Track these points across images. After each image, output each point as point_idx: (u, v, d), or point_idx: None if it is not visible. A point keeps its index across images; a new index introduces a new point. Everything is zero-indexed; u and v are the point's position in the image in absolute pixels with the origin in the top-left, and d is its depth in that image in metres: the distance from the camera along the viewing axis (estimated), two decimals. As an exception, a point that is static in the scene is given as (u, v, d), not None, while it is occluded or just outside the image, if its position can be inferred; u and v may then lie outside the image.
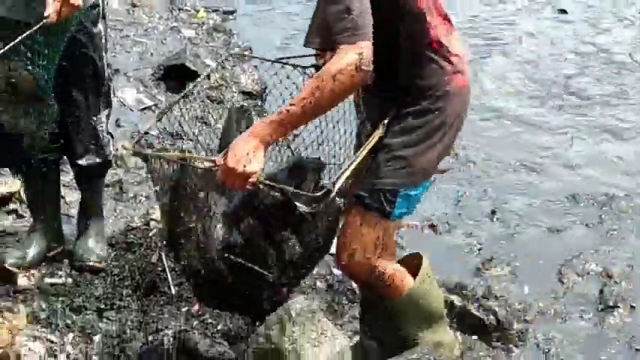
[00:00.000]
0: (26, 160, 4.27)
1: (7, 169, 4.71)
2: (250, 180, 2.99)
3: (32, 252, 4.58)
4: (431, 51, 3.29)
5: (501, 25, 8.36)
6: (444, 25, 3.34)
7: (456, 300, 4.51)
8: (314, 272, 4.65)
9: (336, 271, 4.74)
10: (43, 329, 4.16)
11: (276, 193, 3.09)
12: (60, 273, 4.57)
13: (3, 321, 4.18)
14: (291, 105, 2.98)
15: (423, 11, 3.26)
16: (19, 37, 3.63)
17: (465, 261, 5.02)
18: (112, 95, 4.46)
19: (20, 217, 5.09)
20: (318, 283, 4.67)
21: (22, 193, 5.00)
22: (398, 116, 3.30)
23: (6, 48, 3.63)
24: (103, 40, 4.20)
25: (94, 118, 4.31)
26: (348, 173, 3.12)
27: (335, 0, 2.96)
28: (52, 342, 4.08)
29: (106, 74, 4.30)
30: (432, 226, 5.34)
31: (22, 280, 4.50)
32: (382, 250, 3.34)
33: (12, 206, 5.15)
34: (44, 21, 3.63)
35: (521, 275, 4.88)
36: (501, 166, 6.02)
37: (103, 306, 4.25)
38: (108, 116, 4.44)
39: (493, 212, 5.47)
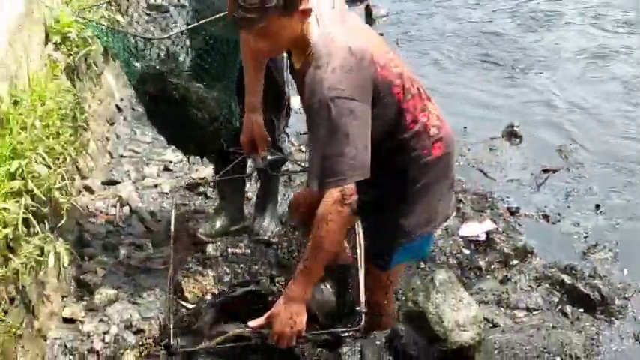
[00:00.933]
0: (219, 152, 4.52)
1: (200, 158, 4.99)
2: (300, 337, 3.08)
3: (218, 226, 4.89)
4: (410, 136, 3.20)
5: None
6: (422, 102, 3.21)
7: (566, 279, 4.68)
8: (447, 251, 4.84)
9: (465, 250, 4.91)
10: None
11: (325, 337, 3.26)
12: (240, 244, 4.89)
13: (195, 283, 4.53)
14: (305, 261, 2.99)
15: (414, 129, 3.20)
16: None
17: (573, 246, 5.10)
18: (290, 108, 4.67)
19: (208, 198, 5.45)
20: (450, 260, 4.84)
21: (210, 179, 5.34)
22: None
23: None
24: (284, 61, 4.36)
25: (275, 124, 4.55)
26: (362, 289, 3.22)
27: (331, 142, 2.85)
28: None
29: (286, 91, 4.49)
30: (545, 216, 5.44)
31: (210, 249, 4.84)
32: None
33: (201, 189, 5.53)
34: None
35: (621, 259, 4.95)
36: (606, 167, 6.01)
37: (274, 272, 4.44)
38: (286, 124, 4.72)
39: (597, 207, 5.51)
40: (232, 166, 4.42)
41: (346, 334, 3.28)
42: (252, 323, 3.10)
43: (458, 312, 3.30)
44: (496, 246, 4.94)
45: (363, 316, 3.18)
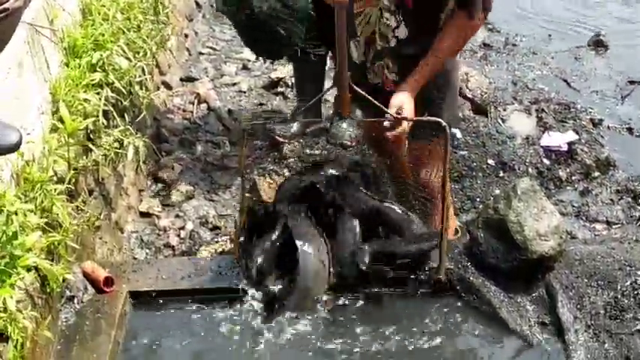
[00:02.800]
0: (295, 52, 4.47)
1: (280, 58, 4.90)
2: None
3: (295, 127, 4.83)
4: None
5: None
6: None
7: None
8: (527, 161, 4.75)
9: (546, 161, 4.82)
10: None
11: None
12: (317, 146, 4.81)
13: (271, 182, 4.51)
14: (428, 64, 3.26)
15: None
16: None
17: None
18: None
19: (285, 98, 5.41)
20: (530, 170, 4.75)
21: (288, 78, 5.29)
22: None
23: None
24: None
25: None
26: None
27: None
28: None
29: None
30: (629, 129, 5.27)
31: (287, 150, 4.80)
32: None
33: (279, 89, 5.48)
34: None
35: None
36: None
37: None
38: None
39: None
40: (310, 64, 4.42)
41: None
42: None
43: (539, 221, 3.23)
44: (578, 157, 4.84)
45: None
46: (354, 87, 3.18)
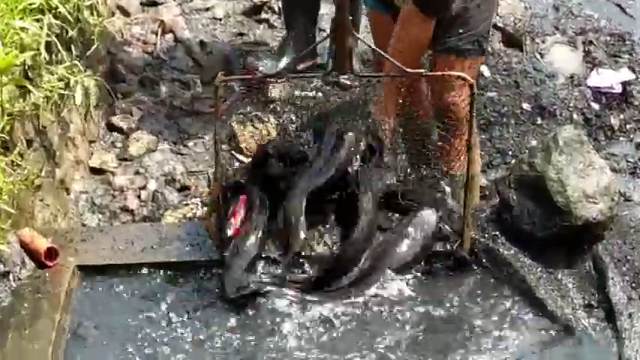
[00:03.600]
0: None
1: None
2: None
3: (284, 62, 4.82)
4: None
5: None
6: None
7: None
8: (571, 105, 4.76)
9: (595, 105, 4.81)
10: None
11: None
12: (311, 86, 4.81)
13: (254, 131, 4.50)
14: None
15: None
16: None
17: None
18: None
19: (271, 26, 5.37)
20: (575, 116, 4.75)
21: (274, 2, 5.25)
22: None
23: None
24: None
25: None
26: None
27: None
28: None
29: None
30: None
31: (274, 91, 4.75)
32: None
33: (263, 15, 5.43)
34: None
35: None
36: None
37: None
38: None
39: None
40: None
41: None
42: None
43: (586, 179, 3.24)
44: (634, 101, 4.87)
45: None
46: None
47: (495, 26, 5.21)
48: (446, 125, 3.58)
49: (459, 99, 3.58)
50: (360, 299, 3.18)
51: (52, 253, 3.29)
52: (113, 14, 4.99)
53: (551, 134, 3.36)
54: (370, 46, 3.56)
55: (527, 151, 3.55)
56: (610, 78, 4.96)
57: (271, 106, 4.66)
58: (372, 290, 3.21)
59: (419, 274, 3.29)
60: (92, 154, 4.40)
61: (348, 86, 4.66)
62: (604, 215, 3.22)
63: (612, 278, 3.20)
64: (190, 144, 4.51)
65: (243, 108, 4.55)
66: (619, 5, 5.80)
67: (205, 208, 3.96)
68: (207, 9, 5.47)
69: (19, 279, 3.21)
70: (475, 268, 3.29)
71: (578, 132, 3.35)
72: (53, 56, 3.83)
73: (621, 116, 4.77)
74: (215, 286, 3.26)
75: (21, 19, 3.58)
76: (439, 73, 3.46)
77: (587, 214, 3.20)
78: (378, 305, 3.18)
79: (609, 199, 3.23)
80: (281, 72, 4.68)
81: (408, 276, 3.27)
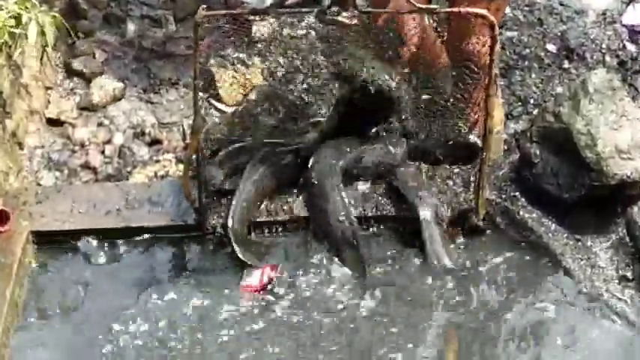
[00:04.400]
0: None
1: None
2: None
3: None
4: None
5: None
6: None
7: None
8: (603, 46, 4.74)
9: (630, 46, 4.79)
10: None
11: None
12: (301, 24, 4.75)
13: (236, 77, 4.48)
14: None
15: None
16: None
17: None
18: None
19: (257, -46, 5.34)
20: (607, 58, 4.73)
21: None
22: None
23: None
24: None
25: None
26: None
27: None
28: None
29: None
30: None
31: (259, 29, 4.71)
32: None
33: None
34: None
35: None
36: None
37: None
38: None
39: None
40: None
41: None
42: None
43: (619, 131, 3.27)
44: None
45: None
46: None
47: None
48: (464, 77, 3.54)
49: (481, 46, 3.50)
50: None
51: (2, 217, 3.29)
52: (72, -63, 4.94)
53: (579, 79, 3.41)
54: None
55: (552, 99, 3.52)
56: (648, 13, 4.89)
57: (256, 48, 4.61)
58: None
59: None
60: (49, 102, 4.36)
61: (347, 24, 4.65)
62: (640, 173, 3.21)
63: (649, 246, 3.20)
64: (162, 91, 4.47)
65: (223, 49, 4.51)
66: None
67: (180, 166, 3.95)
68: None
69: (-35, 247, 3.23)
70: (492, 234, 3.31)
71: (611, 76, 3.37)
72: (1, -12, 3.82)
73: (661, 59, 4.70)
74: (191, 254, 3.27)
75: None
76: (456, 9, 3.34)
77: (621, 171, 3.22)
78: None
79: (647, 154, 3.22)
80: (269, 7, 4.71)
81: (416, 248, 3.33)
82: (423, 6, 3.27)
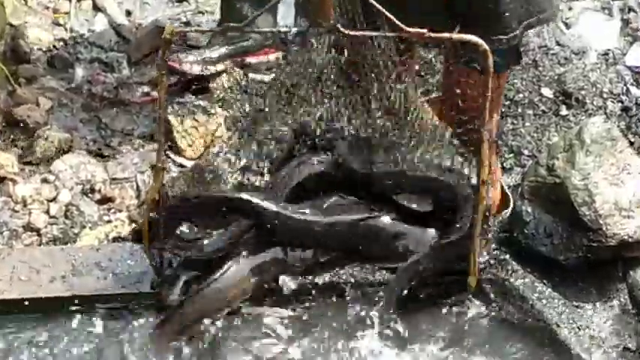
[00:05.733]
0: None
1: None
2: None
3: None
4: None
5: None
6: None
7: None
8: (605, 90, 4.77)
9: (636, 90, 4.82)
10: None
11: None
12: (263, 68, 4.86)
13: (195, 125, 4.49)
14: None
15: None
16: None
17: None
18: None
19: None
20: (609, 104, 4.76)
21: None
22: None
23: None
24: None
25: None
26: None
27: None
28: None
29: None
30: None
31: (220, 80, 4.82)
32: None
33: None
34: None
35: None
36: None
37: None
38: None
39: None
40: None
41: None
42: None
43: (620, 186, 3.31)
44: None
45: None
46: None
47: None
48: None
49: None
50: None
51: None
52: (13, -28, 4.99)
53: (575, 128, 3.43)
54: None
55: (545, 149, 3.53)
56: (655, 55, 4.92)
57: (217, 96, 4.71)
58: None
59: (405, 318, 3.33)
60: (-14, 156, 4.38)
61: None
62: (643, 233, 3.23)
63: (655, 314, 3.24)
64: (114, 143, 4.49)
65: (182, 96, 4.55)
66: (668, -41, 5.78)
67: (134, 226, 3.96)
68: (136, -33, 5.47)
69: None
70: (479, 303, 3.34)
71: (609, 126, 3.42)
72: None
73: (669, 105, 4.73)
74: (145, 327, 3.28)
75: None
76: (447, 35, 3.21)
77: (622, 231, 3.25)
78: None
79: (649, 212, 3.25)
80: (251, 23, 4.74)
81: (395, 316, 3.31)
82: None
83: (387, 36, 3.24)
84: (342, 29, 3.14)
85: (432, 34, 3.17)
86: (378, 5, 3.12)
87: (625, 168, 3.32)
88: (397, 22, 3.14)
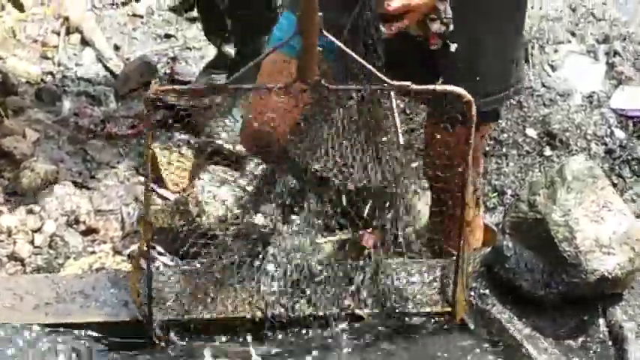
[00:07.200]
0: None
1: None
2: None
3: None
4: None
5: None
6: None
7: None
8: (589, 132, 4.79)
9: (619, 132, 4.84)
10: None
11: None
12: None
13: (181, 160, 4.53)
14: None
15: None
16: None
17: None
18: None
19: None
20: (593, 146, 4.77)
21: None
22: None
23: None
24: None
25: None
26: None
27: None
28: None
29: None
30: None
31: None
32: None
33: (196, 13, 5.44)
34: None
35: None
36: None
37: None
38: None
39: None
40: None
41: None
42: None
43: (600, 223, 3.29)
44: None
45: None
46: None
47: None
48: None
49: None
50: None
51: None
52: (3, 8, 4.98)
53: (556, 166, 3.41)
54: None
55: (527, 186, 3.51)
56: (639, 98, 5.02)
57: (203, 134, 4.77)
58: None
59: (393, 346, 3.34)
60: (-28, 187, 4.39)
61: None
62: (623, 269, 3.27)
63: (634, 353, 3.24)
64: (99, 175, 4.53)
65: (168, 129, 4.55)
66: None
67: (118, 257, 3.96)
68: (125, 3, 5.48)
69: None
70: (459, 335, 3.35)
71: (591, 164, 3.41)
72: None
73: (653, 148, 4.77)
74: (128, 356, 3.28)
75: None
76: (431, 87, 3.20)
77: (602, 267, 3.24)
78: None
79: (629, 248, 3.28)
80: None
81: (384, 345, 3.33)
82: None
83: (372, 89, 3.28)
84: (326, 84, 3.10)
85: (416, 87, 3.17)
86: (360, 59, 3.17)
87: (606, 205, 3.32)
88: (380, 74, 3.15)
